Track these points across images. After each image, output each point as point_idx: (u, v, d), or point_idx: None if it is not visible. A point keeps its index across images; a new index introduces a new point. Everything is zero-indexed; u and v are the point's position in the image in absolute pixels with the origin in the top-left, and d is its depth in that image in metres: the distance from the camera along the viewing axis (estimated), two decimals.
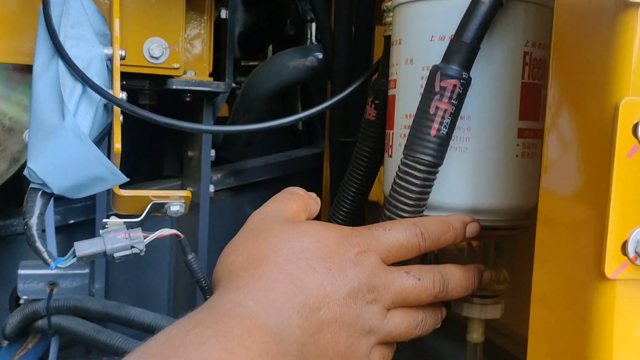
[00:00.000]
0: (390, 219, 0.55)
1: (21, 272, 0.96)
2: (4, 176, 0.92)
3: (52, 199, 0.74)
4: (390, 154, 0.61)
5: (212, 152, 1.08)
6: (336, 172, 0.97)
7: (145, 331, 0.94)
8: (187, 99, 1.04)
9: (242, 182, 1.23)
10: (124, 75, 0.94)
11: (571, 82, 0.43)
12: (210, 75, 1.04)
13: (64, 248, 1.07)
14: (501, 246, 0.60)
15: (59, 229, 1.06)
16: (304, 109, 1.50)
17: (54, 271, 0.99)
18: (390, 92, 0.61)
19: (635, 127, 0.38)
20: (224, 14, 1.11)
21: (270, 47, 1.45)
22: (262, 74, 1.09)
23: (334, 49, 0.95)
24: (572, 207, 0.43)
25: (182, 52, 0.97)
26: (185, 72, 1.00)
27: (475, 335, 0.62)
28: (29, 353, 1.01)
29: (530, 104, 0.56)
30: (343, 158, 0.94)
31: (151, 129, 1.16)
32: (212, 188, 1.10)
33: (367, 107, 0.69)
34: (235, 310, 0.46)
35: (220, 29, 1.11)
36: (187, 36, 1.03)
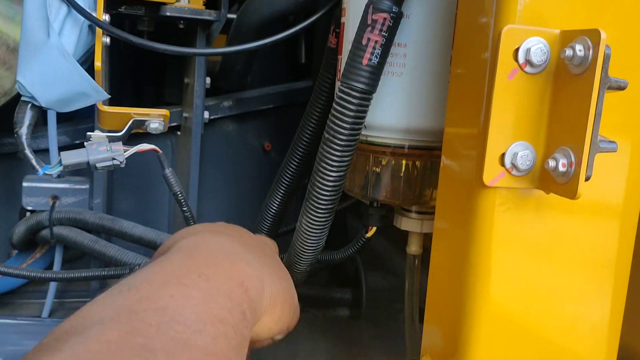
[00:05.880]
0: (330, 140, 0.60)
1: (25, 184, 1.03)
2: (9, 93, 0.96)
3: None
4: (339, 78, 0.66)
5: (208, 80, 1.12)
6: None
7: (136, 243, 1.02)
8: (181, 26, 1.08)
9: (243, 110, 1.26)
10: (122, 1, 0.99)
11: (472, 10, 0.47)
12: (205, 5, 1.08)
13: None
14: (437, 166, 0.65)
15: (66, 149, 1.12)
16: (307, 51, 1.52)
17: (56, 185, 1.06)
18: (342, 19, 0.65)
19: (516, 51, 0.42)
20: None
21: None
22: (254, 4, 1.11)
23: None
24: (467, 123, 0.47)
25: None
26: (179, 0, 1.04)
27: (414, 247, 0.67)
28: (37, 261, 1.10)
29: None
30: None
31: (155, 57, 1.20)
32: (207, 114, 1.15)
33: (329, 35, 0.73)
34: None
35: None
36: None
